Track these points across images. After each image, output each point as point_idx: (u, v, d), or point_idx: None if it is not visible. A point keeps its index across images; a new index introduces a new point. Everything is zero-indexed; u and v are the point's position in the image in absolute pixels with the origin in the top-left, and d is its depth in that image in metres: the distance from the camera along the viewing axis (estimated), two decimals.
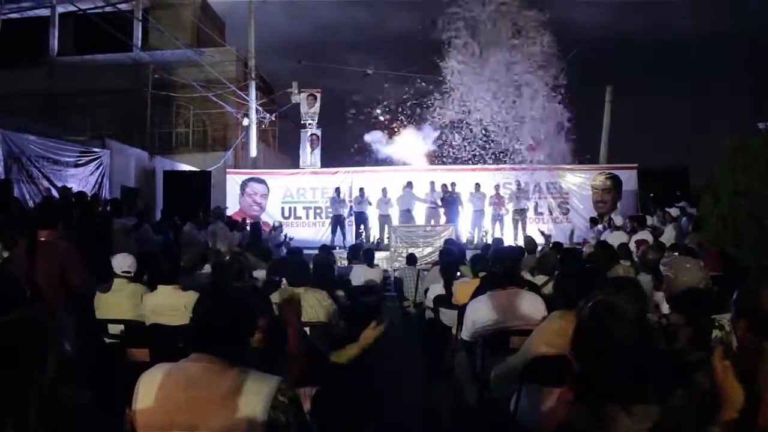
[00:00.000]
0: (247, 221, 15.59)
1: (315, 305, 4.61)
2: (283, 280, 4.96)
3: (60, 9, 23.40)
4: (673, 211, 12.27)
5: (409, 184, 17.20)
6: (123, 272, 5.30)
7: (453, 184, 17.17)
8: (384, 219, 16.97)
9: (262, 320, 2.88)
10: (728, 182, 9.19)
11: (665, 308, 3.86)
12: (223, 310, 2.25)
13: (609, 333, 2.03)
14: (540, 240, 12.45)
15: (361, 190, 17.25)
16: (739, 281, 2.42)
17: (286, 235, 15.75)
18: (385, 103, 25.27)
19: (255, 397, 2.09)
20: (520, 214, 16.90)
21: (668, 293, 3.62)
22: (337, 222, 17.11)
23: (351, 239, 16.76)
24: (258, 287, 3.79)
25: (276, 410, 2.10)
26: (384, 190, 17.18)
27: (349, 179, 18.40)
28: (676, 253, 6.47)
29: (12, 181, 11.65)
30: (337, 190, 17.51)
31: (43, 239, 5.19)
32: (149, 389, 2.16)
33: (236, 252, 7.98)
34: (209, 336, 2.20)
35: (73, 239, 6.29)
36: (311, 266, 5.91)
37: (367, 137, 23.68)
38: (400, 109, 24.52)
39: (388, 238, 16.00)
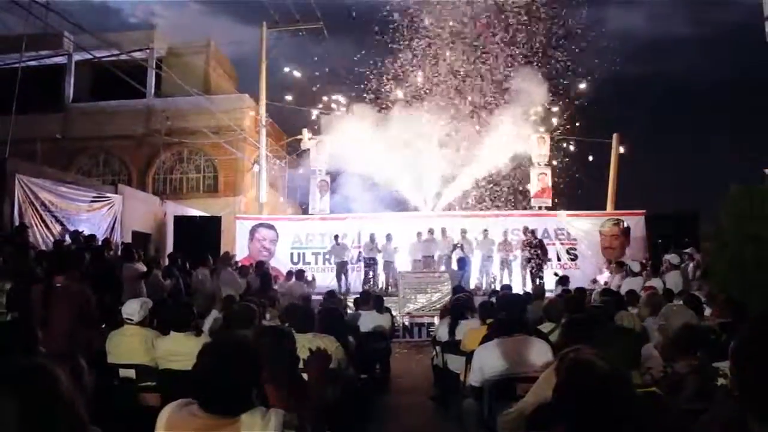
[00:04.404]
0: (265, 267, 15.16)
1: None
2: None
3: (76, 57, 24.04)
4: (673, 258, 12.10)
5: (431, 231, 17.14)
6: (126, 318, 5.31)
7: (464, 231, 17.21)
8: (388, 265, 16.91)
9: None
10: (736, 228, 9.23)
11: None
12: (225, 365, 2.27)
13: (582, 390, 2.04)
14: (550, 286, 12.36)
15: (372, 235, 17.16)
16: (737, 332, 2.46)
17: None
18: None
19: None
20: (528, 260, 16.82)
21: (665, 340, 3.67)
22: (341, 269, 17.00)
23: (356, 285, 16.68)
24: (289, 331, 3.71)
25: None
26: (388, 236, 17.06)
27: (358, 225, 18.32)
28: (681, 301, 6.50)
29: (27, 225, 11.79)
30: (336, 237, 17.37)
31: (59, 285, 5.28)
32: (169, 428, 2.24)
33: (247, 298, 8.03)
34: (214, 390, 2.24)
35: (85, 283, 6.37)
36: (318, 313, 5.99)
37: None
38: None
39: (394, 284, 15.96)
